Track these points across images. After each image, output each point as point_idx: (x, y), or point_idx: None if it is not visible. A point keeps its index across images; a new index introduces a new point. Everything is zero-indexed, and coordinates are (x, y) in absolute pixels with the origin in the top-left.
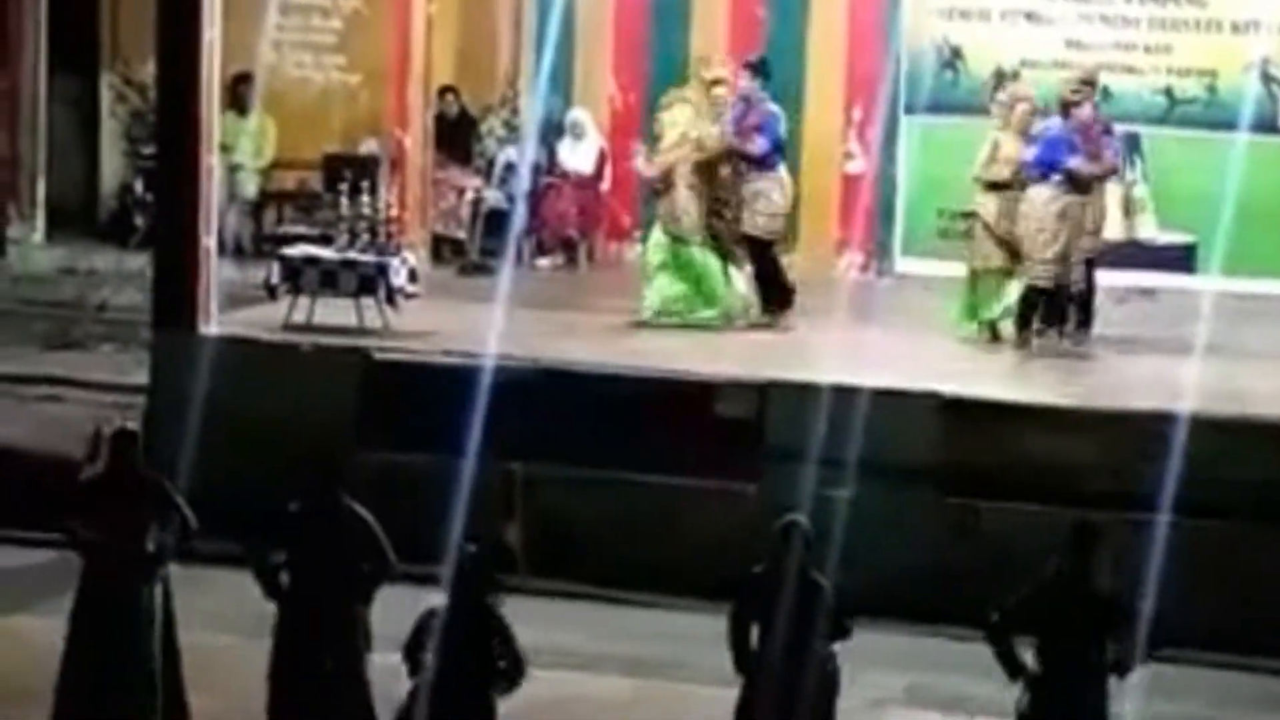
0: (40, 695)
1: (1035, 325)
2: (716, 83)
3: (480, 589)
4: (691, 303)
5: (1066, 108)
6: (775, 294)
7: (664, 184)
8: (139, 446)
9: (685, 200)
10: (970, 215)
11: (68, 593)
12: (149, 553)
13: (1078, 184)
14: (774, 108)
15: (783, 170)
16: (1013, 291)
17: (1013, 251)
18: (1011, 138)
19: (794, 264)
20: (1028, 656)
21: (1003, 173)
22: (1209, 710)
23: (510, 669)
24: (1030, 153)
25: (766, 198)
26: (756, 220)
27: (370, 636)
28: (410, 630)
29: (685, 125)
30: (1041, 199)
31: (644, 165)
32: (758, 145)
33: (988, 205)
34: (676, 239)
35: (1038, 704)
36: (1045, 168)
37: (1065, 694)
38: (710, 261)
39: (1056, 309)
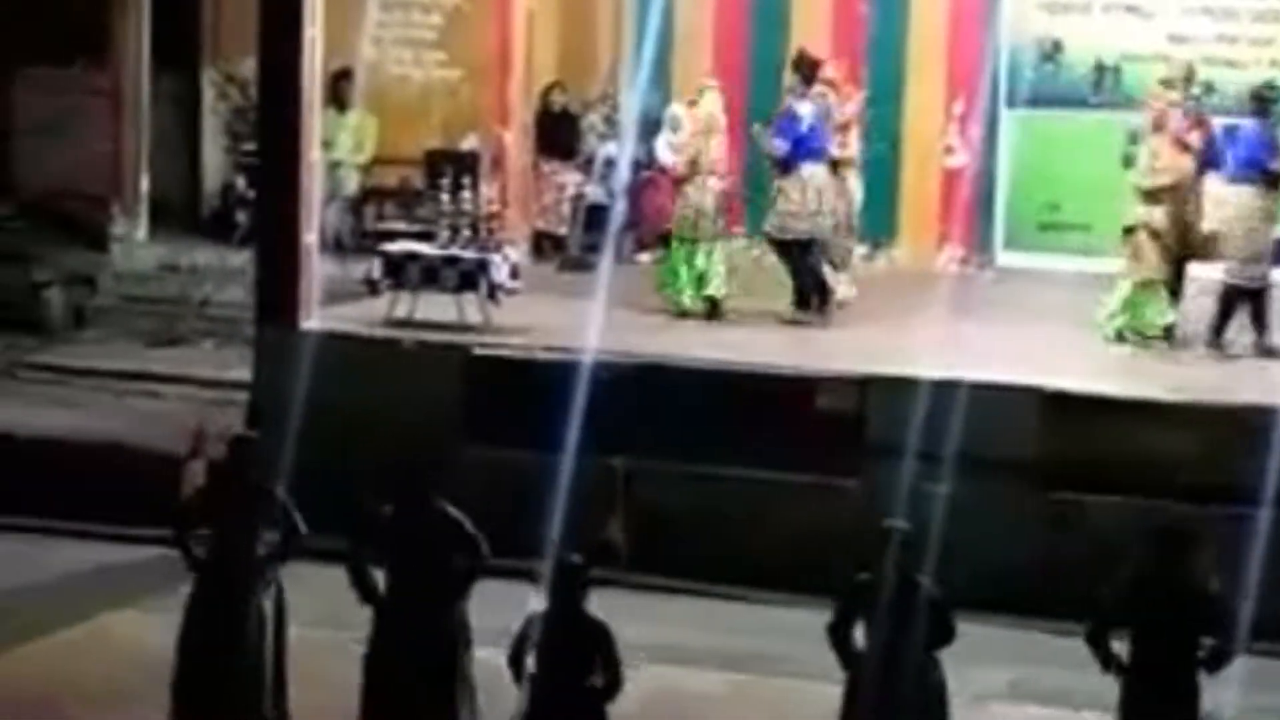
0: (141, 693)
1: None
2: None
3: (580, 596)
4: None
5: (1262, 105)
6: (808, 293)
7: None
8: (254, 451)
9: (697, 196)
10: (1131, 230)
11: (168, 590)
12: (261, 556)
13: (1272, 183)
14: (797, 107)
15: (807, 170)
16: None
17: (1180, 258)
18: (1167, 144)
19: (895, 258)
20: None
21: (1165, 180)
22: None
23: (609, 682)
24: (1231, 153)
25: (786, 197)
26: (773, 220)
27: (469, 632)
28: (513, 637)
29: (706, 119)
30: (1243, 198)
31: (665, 155)
32: (775, 147)
33: (1154, 215)
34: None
35: (1131, 698)
36: (1249, 168)
37: (1158, 688)
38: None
39: (1258, 311)
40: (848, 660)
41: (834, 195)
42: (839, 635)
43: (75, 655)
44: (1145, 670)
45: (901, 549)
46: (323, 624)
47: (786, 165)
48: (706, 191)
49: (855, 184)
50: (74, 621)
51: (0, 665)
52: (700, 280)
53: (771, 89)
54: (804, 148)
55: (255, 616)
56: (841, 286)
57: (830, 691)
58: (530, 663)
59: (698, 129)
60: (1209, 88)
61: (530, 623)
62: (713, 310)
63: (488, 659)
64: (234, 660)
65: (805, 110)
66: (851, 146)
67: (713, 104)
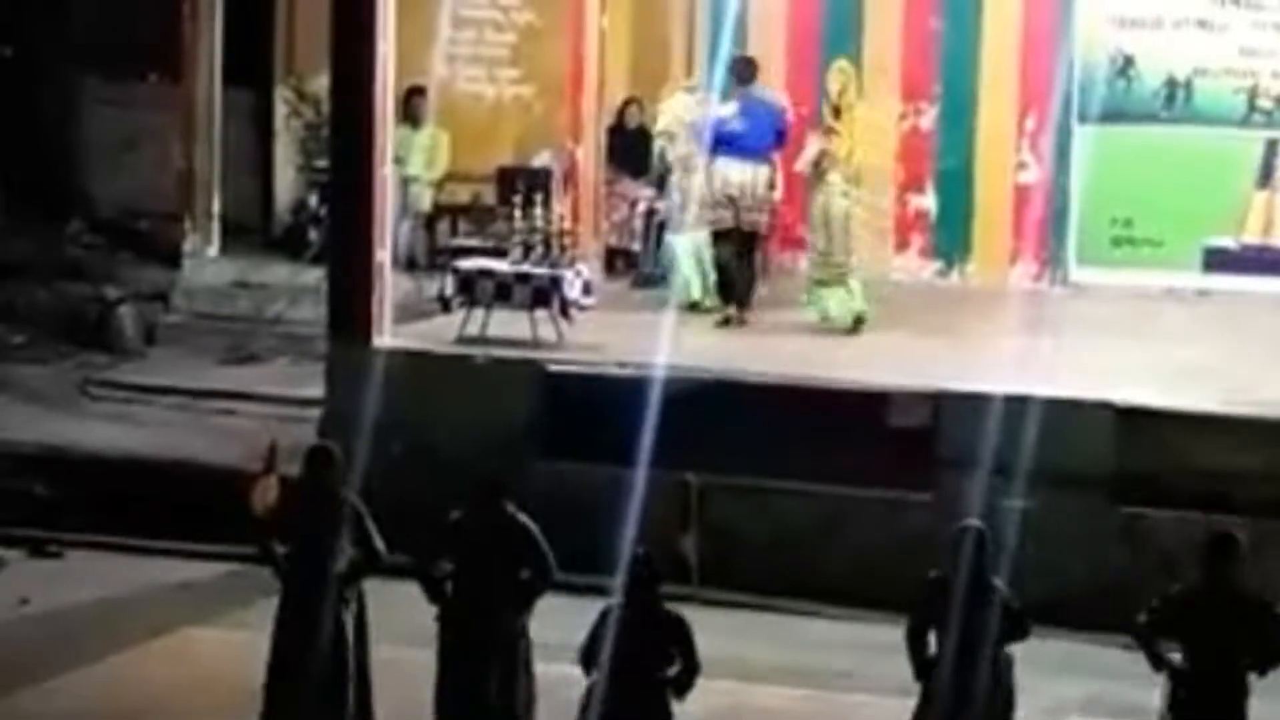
0: (219, 707)
1: None
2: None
3: (655, 589)
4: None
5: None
6: (731, 289)
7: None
8: (335, 464)
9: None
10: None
11: (243, 604)
12: (341, 570)
13: None
14: (722, 108)
15: (722, 164)
16: None
17: None
18: None
19: (968, 274)
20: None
21: None
22: None
23: (685, 671)
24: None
25: (706, 189)
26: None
27: (530, 645)
28: (589, 629)
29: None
30: None
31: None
32: (699, 141)
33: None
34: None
35: (1179, 701)
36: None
37: (1206, 690)
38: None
39: None
40: (921, 664)
41: (766, 192)
42: (914, 639)
43: (153, 670)
44: (1193, 671)
45: (976, 548)
46: (404, 640)
47: (712, 159)
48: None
49: (840, 201)
50: (151, 637)
51: (80, 680)
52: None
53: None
54: (725, 145)
55: (337, 631)
56: (833, 303)
57: (901, 706)
58: (604, 657)
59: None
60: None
61: (606, 616)
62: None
63: (553, 672)
64: (317, 675)
65: (729, 110)
66: (827, 161)
67: (679, 106)
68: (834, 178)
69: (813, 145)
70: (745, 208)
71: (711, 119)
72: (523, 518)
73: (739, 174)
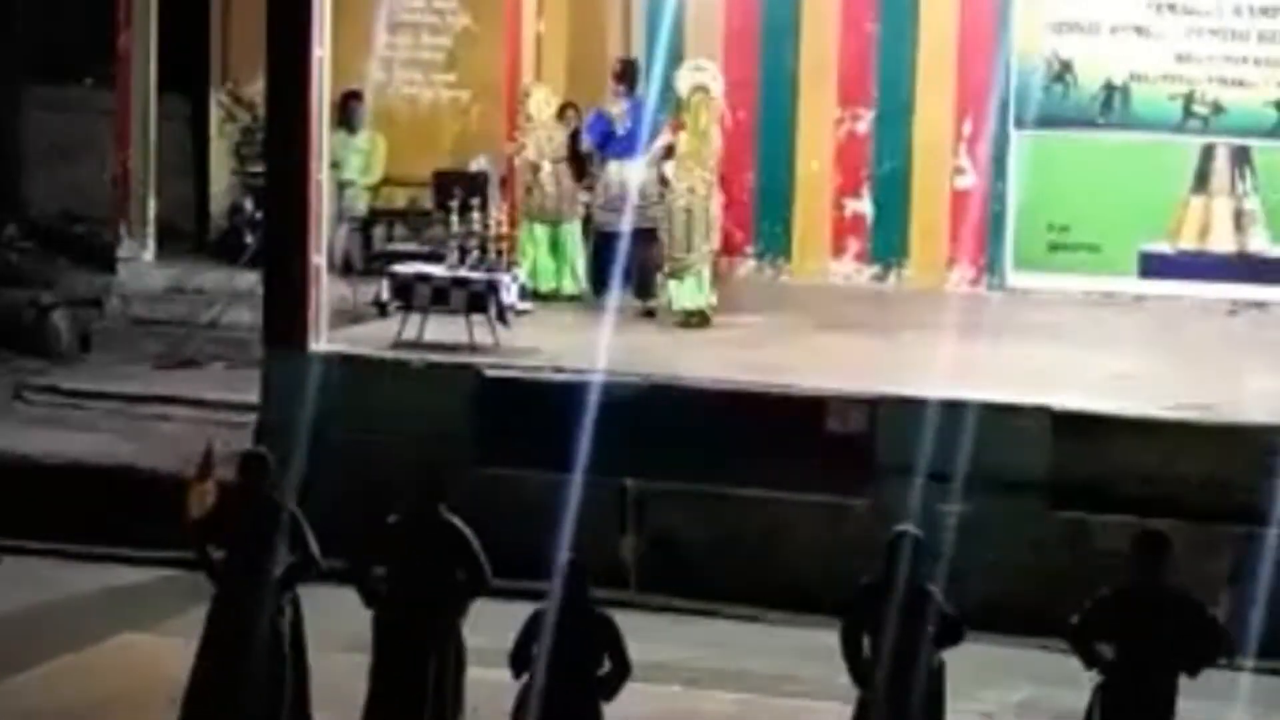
0: (157, 713)
1: None
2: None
3: (584, 591)
4: (559, 278)
5: None
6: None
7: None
8: (270, 470)
9: (548, 183)
10: None
11: (180, 610)
12: (276, 576)
13: None
14: (609, 108)
15: (614, 167)
16: None
17: None
18: None
19: (906, 278)
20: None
21: None
22: None
23: (615, 673)
24: None
25: (596, 191)
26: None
27: (463, 649)
28: (519, 632)
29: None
30: None
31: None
32: (585, 143)
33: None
34: (542, 220)
35: (1108, 700)
36: None
37: (1137, 692)
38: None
39: None
40: (855, 669)
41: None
42: (848, 643)
43: (90, 676)
44: (1124, 671)
45: (910, 554)
46: (338, 645)
47: (601, 160)
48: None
49: (687, 196)
50: (87, 643)
51: (17, 686)
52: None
53: (782, 104)
54: (612, 146)
55: (271, 637)
56: (682, 294)
57: (842, 710)
58: (534, 658)
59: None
60: (1217, 107)
61: (536, 618)
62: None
63: (490, 678)
64: (249, 681)
65: (616, 111)
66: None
67: (537, 105)
68: (682, 173)
69: (661, 139)
70: (638, 206)
71: (596, 121)
72: (458, 522)
73: (635, 174)
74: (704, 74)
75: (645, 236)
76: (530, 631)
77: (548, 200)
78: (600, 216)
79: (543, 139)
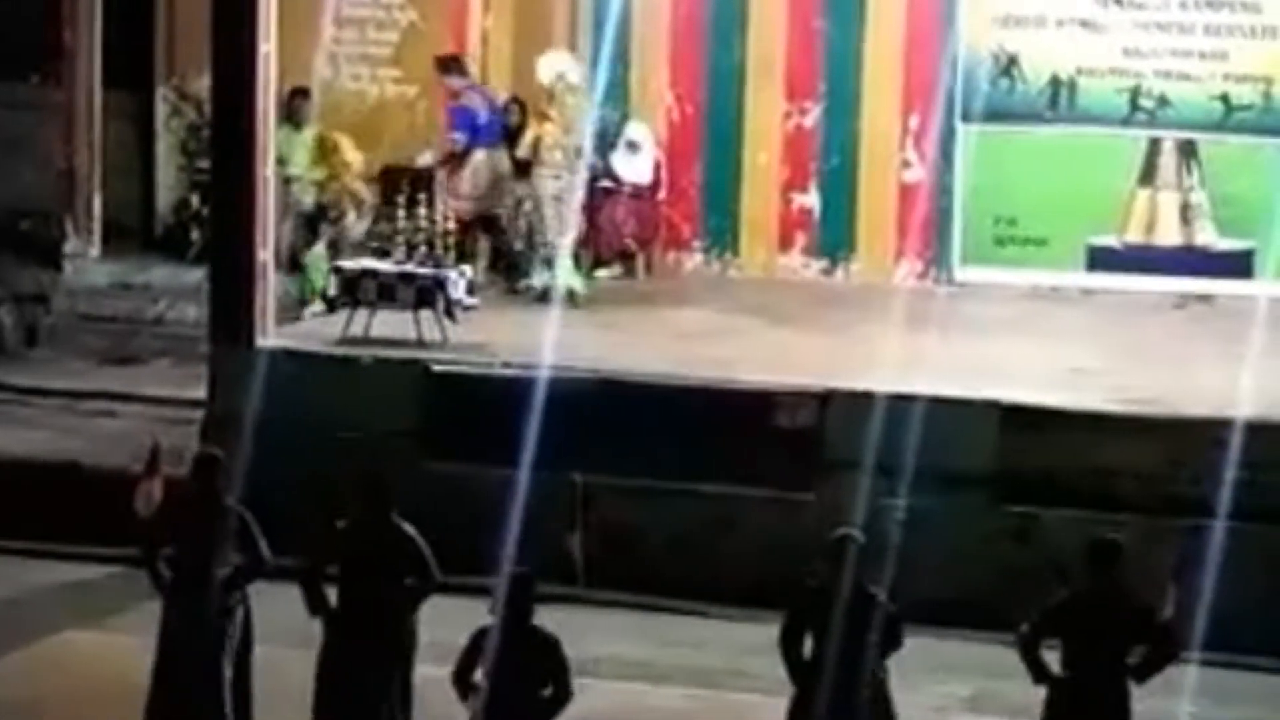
0: (102, 710)
1: None
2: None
3: (530, 609)
4: None
5: None
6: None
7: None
8: (220, 470)
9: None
10: None
11: (126, 607)
12: (227, 574)
13: None
14: (467, 101)
15: (478, 156)
16: None
17: None
18: None
19: (853, 272)
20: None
21: None
22: (1267, 715)
23: (555, 699)
24: None
25: (462, 181)
26: (453, 204)
27: (414, 649)
28: (461, 651)
29: None
30: None
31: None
32: (454, 140)
33: None
34: None
35: (1059, 707)
36: None
37: (1088, 698)
38: None
39: None
40: (795, 669)
41: (515, 185)
42: (788, 644)
43: (35, 673)
44: (1075, 677)
45: (855, 558)
46: (285, 641)
47: (465, 154)
48: None
49: (551, 183)
50: (33, 640)
51: None
52: None
53: (729, 97)
54: (479, 137)
55: (221, 635)
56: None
57: (772, 704)
58: (479, 676)
59: None
60: (1163, 101)
61: (480, 636)
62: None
63: (442, 674)
64: (202, 679)
65: (476, 102)
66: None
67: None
68: (546, 161)
69: (530, 132)
70: (503, 193)
71: (460, 116)
72: (406, 527)
73: (500, 163)
74: (565, 63)
75: (508, 221)
76: (473, 650)
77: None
78: (464, 207)
79: None
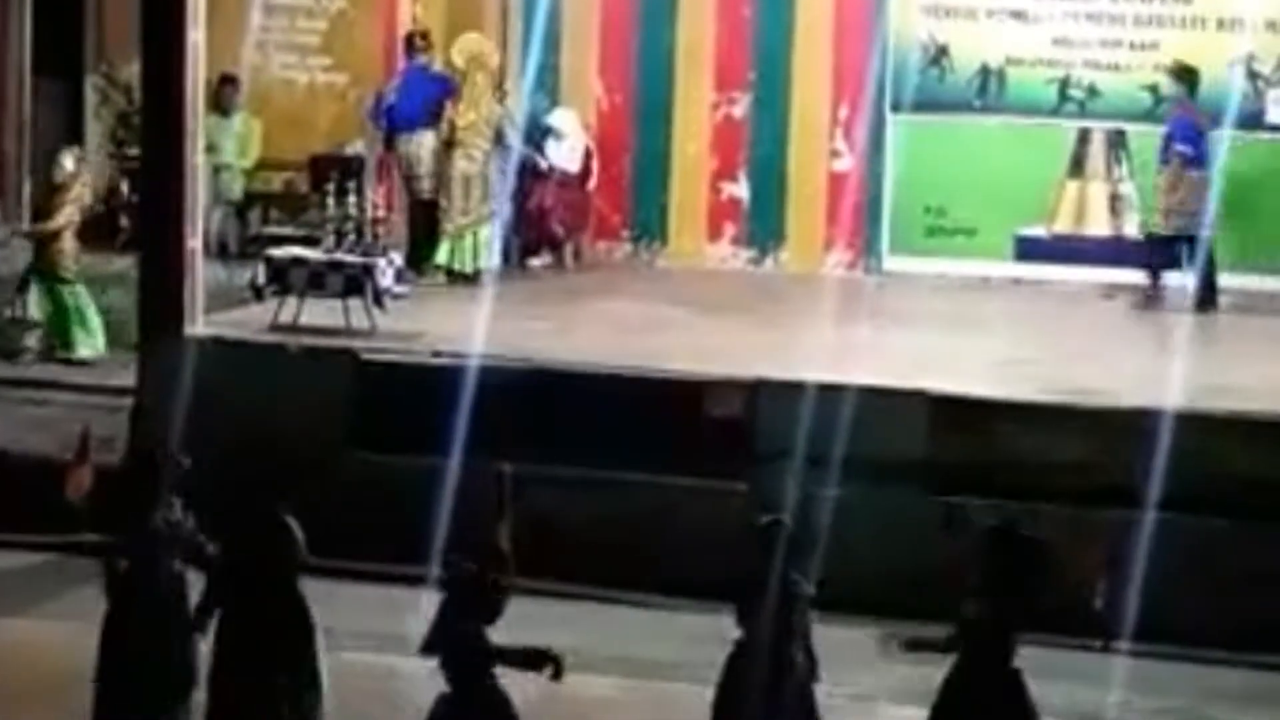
0: (33, 697)
1: None
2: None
3: (489, 669)
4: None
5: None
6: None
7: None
8: (162, 465)
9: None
10: None
11: (55, 595)
12: (174, 571)
13: None
14: (384, 87)
15: (402, 139)
16: None
17: None
18: None
19: (782, 262)
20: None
21: None
22: (1195, 705)
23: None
24: None
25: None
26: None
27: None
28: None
29: None
30: None
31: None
32: (378, 125)
33: None
34: None
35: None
36: None
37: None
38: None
39: None
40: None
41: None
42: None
43: None
44: (968, 666)
45: (784, 546)
46: None
47: (390, 139)
48: None
49: (463, 163)
50: None
51: None
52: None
53: (659, 87)
54: (396, 120)
55: (165, 620)
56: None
57: (695, 691)
58: None
59: None
60: (1093, 91)
61: (439, 706)
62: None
63: (381, 664)
64: (156, 673)
65: (388, 87)
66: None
67: None
68: (464, 141)
69: (448, 112)
70: (415, 176)
71: (374, 98)
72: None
73: (403, 145)
74: (479, 45)
75: (426, 207)
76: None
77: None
78: (414, 186)
79: None
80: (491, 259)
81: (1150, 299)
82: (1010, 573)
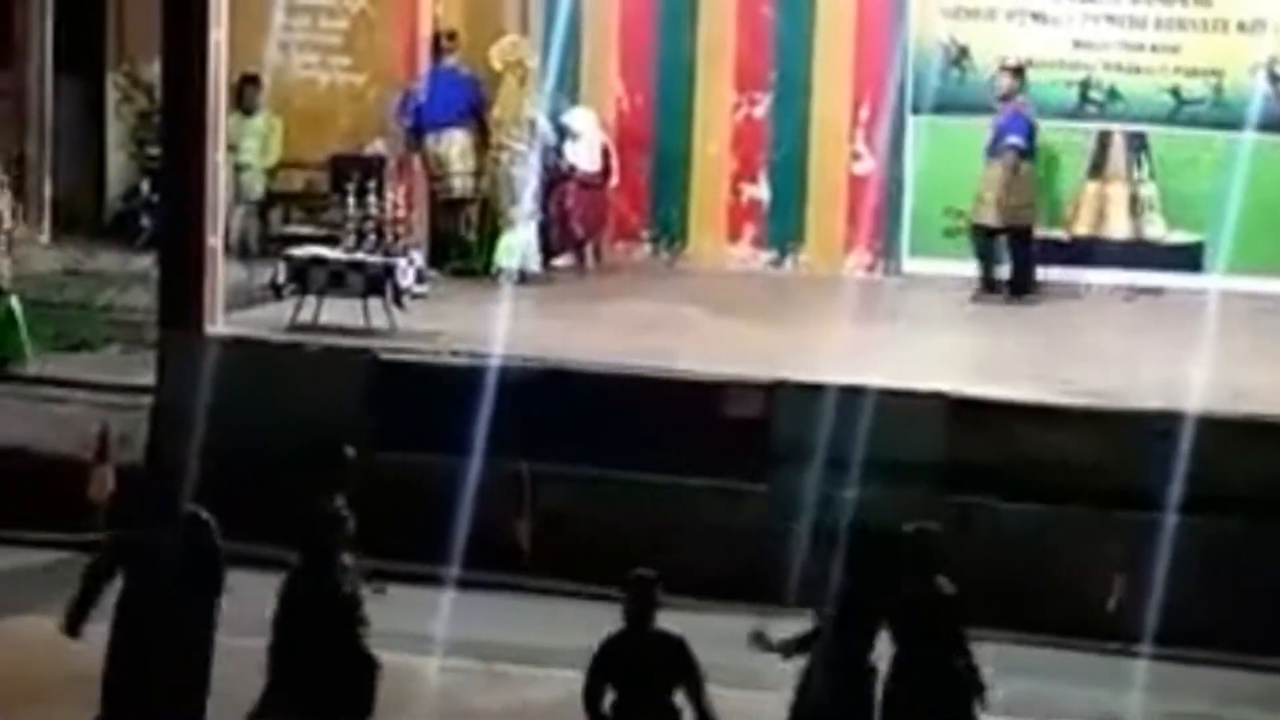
0: (49, 695)
1: None
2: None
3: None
4: None
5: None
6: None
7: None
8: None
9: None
10: None
11: (71, 594)
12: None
13: None
14: (414, 85)
15: (430, 139)
16: None
17: None
18: None
19: (802, 263)
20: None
21: None
22: (1212, 708)
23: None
24: None
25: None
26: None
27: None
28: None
29: None
30: None
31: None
32: (401, 124)
33: None
34: None
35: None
36: None
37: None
38: None
39: None
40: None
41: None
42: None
43: None
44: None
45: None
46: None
47: (417, 137)
48: None
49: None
50: None
51: None
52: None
53: (679, 87)
54: (423, 120)
55: (184, 624)
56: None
57: (742, 695)
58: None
59: None
60: (1113, 94)
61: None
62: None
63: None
64: (169, 670)
65: (417, 88)
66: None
67: None
68: (499, 141)
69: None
70: (447, 175)
71: (403, 101)
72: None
73: (432, 145)
74: (516, 51)
75: (456, 206)
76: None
77: None
78: (438, 186)
79: None
80: (527, 262)
81: (981, 290)
82: (863, 570)
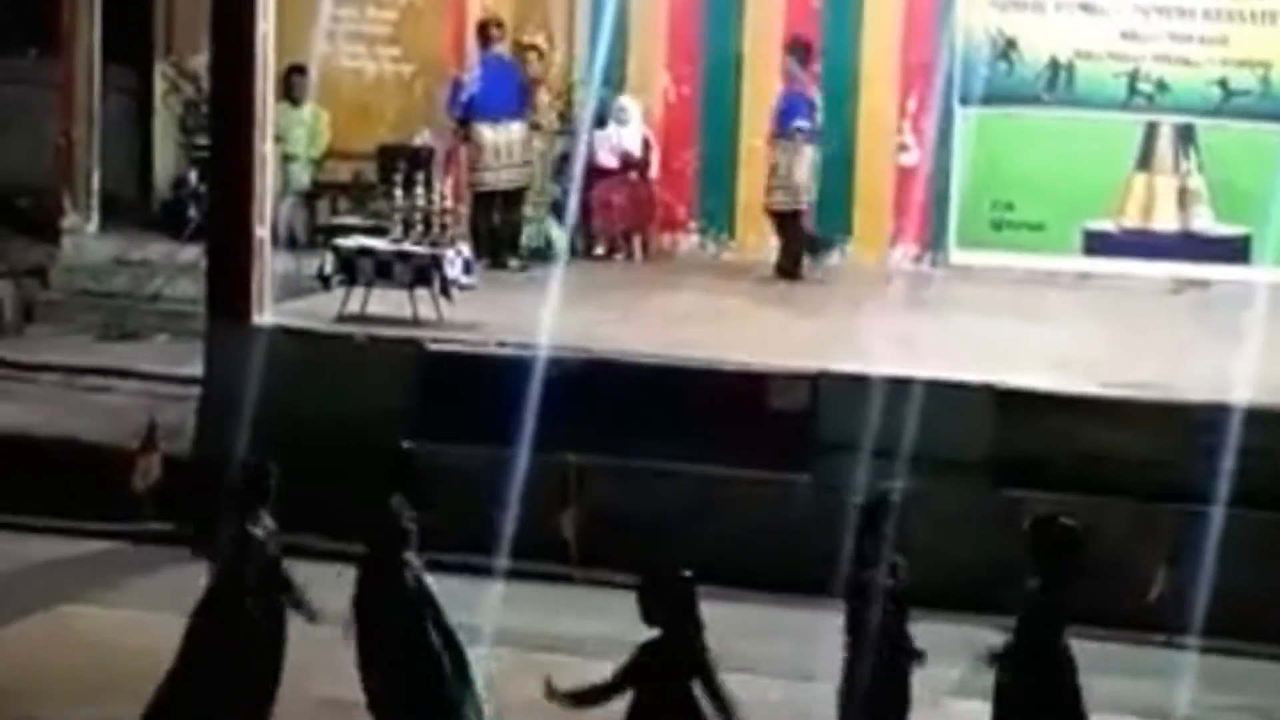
0: (99, 686)
1: None
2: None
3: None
4: None
5: None
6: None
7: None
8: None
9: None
10: None
11: (124, 583)
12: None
13: None
14: (463, 76)
15: (479, 128)
16: None
17: None
18: None
19: (849, 255)
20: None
21: None
22: (1264, 701)
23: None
24: None
25: (472, 155)
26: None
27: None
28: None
29: None
30: None
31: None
32: (450, 114)
33: None
34: None
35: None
36: None
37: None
38: None
39: None
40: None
41: (522, 149)
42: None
43: (32, 648)
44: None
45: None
46: None
47: (466, 127)
48: None
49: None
50: (29, 614)
51: None
52: None
53: (726, 79)
54: (473, 110)
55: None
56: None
57: (787, 687)
58: None
59: None
60: (1161, 85)
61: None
62: None
63: None
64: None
65: (468, 78)
66: (542, 111)
67: None
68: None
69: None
70: (503, 165)
71: (452, 91)
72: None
73: (489, 134)
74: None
75: (511, 197)
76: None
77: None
78: (478, 178)
79: None
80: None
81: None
82: (1055, 559)
